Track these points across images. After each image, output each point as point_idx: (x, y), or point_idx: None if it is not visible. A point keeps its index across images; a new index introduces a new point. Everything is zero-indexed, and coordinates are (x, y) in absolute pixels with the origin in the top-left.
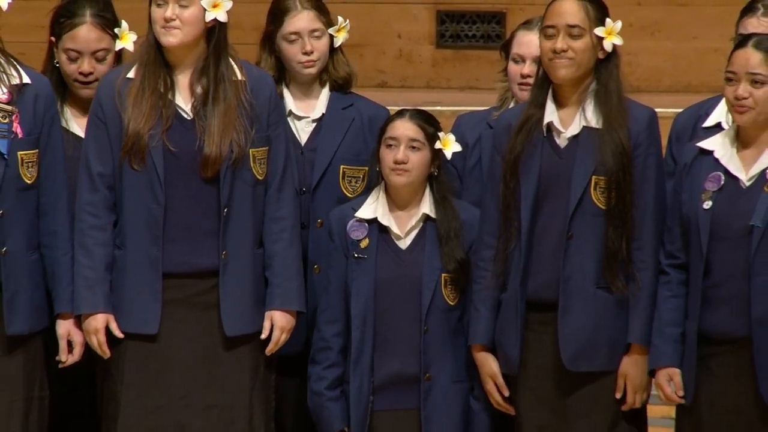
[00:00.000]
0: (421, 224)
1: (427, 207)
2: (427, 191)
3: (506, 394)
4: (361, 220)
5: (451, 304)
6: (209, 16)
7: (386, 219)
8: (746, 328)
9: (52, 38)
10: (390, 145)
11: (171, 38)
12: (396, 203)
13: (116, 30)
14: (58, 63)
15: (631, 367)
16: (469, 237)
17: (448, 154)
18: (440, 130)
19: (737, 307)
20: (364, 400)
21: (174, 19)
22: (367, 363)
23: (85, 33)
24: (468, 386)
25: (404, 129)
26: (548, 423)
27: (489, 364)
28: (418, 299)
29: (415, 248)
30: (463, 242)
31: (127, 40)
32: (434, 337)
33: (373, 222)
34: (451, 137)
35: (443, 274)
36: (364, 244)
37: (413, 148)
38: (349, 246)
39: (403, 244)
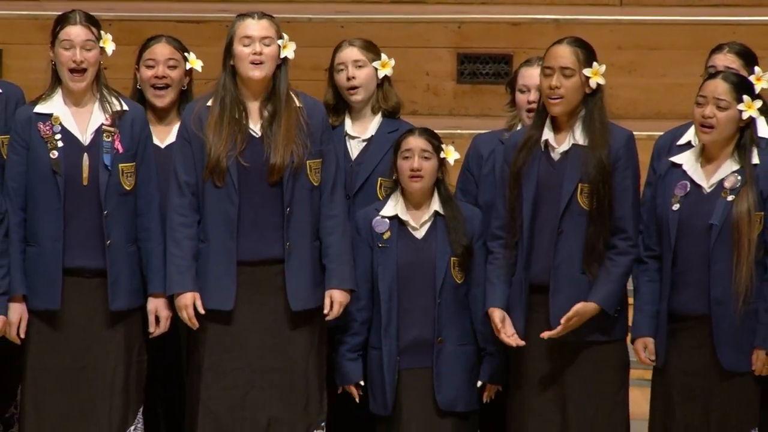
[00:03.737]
0: (432, 219)
1: (437, 205)
2: (436, 193)
3: (512, 331)
4: (383, 217)
5: (459, 282)
6: (282, 54)
7: (405, 215)
8: (706, 307)
9: (136, 66)
10: (406, 157)
11: (257, 72)
12: (412, 203)
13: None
14: (140, 86)
15: (582, 309)
16: (470, 229)
17: (451, 161)
18: (442, 143)
19: (698, 290)
20: (393, 361)
21: (261, 54)
22: (394, 331)
23: (160, 48)
24: (472, 349)
25: (417, 142)
26: (545, 385)
27: (496, 315)
28: (432, 278)
29: (428, 238)
30: (465, 232)
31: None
32: (445, 309)
33: (393, 218)
34: (451, 148)
35: (452, 258)
36: (386, 236)
37: (425, 157)
38: (374, 238)
39: (419, 234)
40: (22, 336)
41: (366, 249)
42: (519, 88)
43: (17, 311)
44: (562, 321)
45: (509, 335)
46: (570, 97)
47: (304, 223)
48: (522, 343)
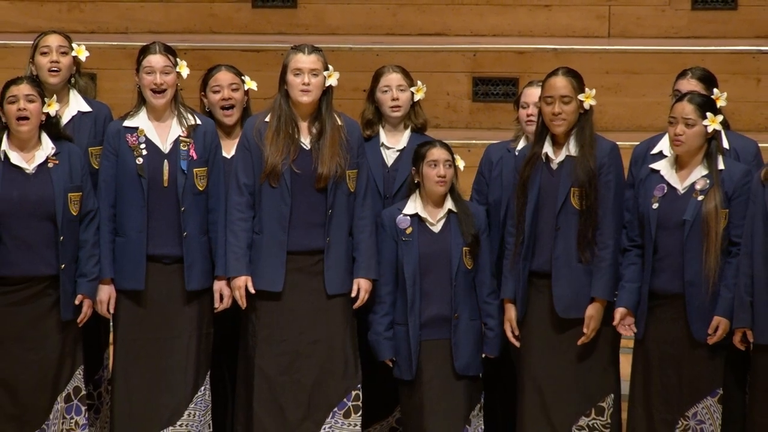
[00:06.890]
0: (447, 216)
1: (450, 204)
2: (449, 194)
3: (517, 333)
4: (405, 215)
5: (469, 268)
6: (327, 82)
7: (424, 213)
8: (680, 288)
9: (203, 93)
10: (432, 165)
11: (306, 98)
12: (431, 203)
13: (243, 78)
14: (209, 109)
15: (594, 311)
16: (476, 223)
17: (461, 168)
18: (454, 153)
19: (674, 274)
20: (416, 334)
21: (309, 84)
22: (417, 309)
23: (223, 74)
24: (479, 323)
25: (441, 154)
26: (544, 354)
27: (510, 312)
28: (448, 265)
29: (444, 231)
30: (473, 225)
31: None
32: (459, 290)
33: (414, 216)
34: (458, 156)
35: (464, 248)
36: (408, 231)
37: (448, 166)
38: (398, 233)
39: (436, 229)
40: (112, 311)
41: (391, 242)
42: (521, 105)
43: (106, 292)
44: (586, 331)
45: (512, 335)
46: (570, 119)
47: (341, 223)
48: (517, 344)
